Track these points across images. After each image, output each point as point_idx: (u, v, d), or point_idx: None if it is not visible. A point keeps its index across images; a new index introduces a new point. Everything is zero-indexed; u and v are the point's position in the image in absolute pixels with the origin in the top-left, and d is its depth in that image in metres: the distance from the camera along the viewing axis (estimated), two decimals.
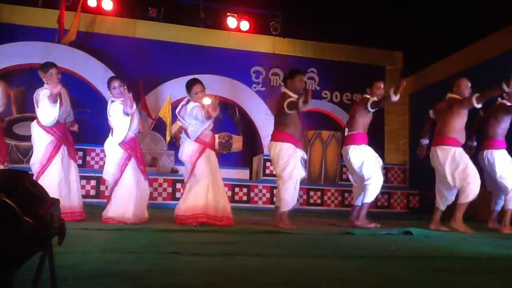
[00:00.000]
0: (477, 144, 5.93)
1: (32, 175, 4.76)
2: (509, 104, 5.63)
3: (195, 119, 4.92)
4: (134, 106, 4.98)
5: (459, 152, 5.25)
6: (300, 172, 5.17)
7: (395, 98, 5.17)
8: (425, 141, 5.68)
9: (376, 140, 11.99)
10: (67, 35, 9.68)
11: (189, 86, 5.08)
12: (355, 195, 5.73)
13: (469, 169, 5.17)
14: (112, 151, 4.86)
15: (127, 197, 4.75)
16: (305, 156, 5.29)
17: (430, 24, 9.53)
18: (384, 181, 9.87)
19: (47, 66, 4.90)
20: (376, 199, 9.42)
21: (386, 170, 10.21)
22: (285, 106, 5.04)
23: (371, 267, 2.55)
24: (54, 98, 4.64)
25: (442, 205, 5.43)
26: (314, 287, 1.94)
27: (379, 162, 5.49)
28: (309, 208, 9.18)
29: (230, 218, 4.97)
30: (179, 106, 5.13)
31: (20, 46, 9.48)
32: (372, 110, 5.49)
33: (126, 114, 4.80)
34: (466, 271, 2.50)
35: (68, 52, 9.77)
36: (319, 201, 9.41)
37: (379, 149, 11.67)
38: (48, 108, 4.71)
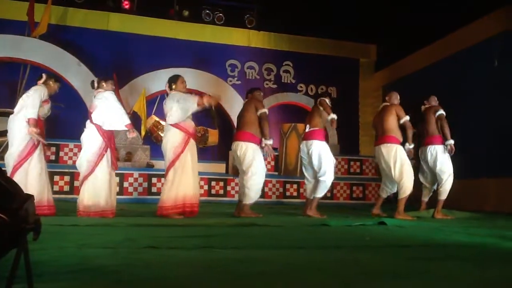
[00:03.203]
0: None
1: (5, 170, 4.75)
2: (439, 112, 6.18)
3: (176, 102, 5.11)
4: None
5: (400, 150, 5.84)
6: (264, 168, 5.58)
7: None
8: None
9: (350, 133, 12.22)
10: (37, 28, 9.46)
11: (174, 80, 5.34)
12: (308, 190, 6.01)
13: (404, 168, 5.78)
14: (92, 139, 4.95)
15: (101, 186, 4.89)
16: (265, 155, 5.68)
17: (403, 17, 9.66)
18: (359, 173, 10.15)
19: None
20: (351, 191, 9.61)
21: (360, 162, 10.35)
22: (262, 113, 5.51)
23: (348, 257, 2.59)
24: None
25: (383, 194, 6.29)
26: (291, 278, 1.97)
27: (333, 160, 5.84)
28: (285, 201, 9.24)
29: (197, 206, 5.17)
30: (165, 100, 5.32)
31: None
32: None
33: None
34: (439, 259, 2.56)
35: (39, 45, 9.57)
36: (295, 193, 9.47)
37: (354, 141, 11.93)
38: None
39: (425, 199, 6.49)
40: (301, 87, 11.87)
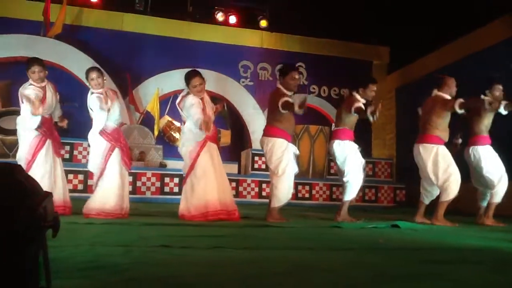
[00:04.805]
0: (462, 140, 5.80)
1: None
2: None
3: (185, 111, 4.83)
4: (115, 97, 4.97)
5: (442, 150, 5.28)
6: (293, 168, 5.08)
7: (371, 119, 5.05)
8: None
9: (362, 135, 12.11)
10: (52, 28, 9.57)
11: (188, 78, 4.91)
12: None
13: (450, 169, 5.20)
14: (96, 142, 4.80)
15: (110, 188, 4.70)
16: (297, 152, 5.19)
17: (416, 19, 9.60)
18: (371, 176, 10.10)
19: (29, 62, 4.84)
20: (363, 194, 9.55)
21: (373, 164, 10.30)
22: (279, 106, 4.86)
23: (359, 259, 2.59)
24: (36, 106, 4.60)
25: (426, 199, 5.53)
26: (302, 278, 1.97)
27: (362, 160, 5.43)
28: (297, 202, 9.22)
29: (237, 211, 4.91)
30: (179, 97, 4.98)
31: (5, 39, 9.37)
32: (355, 115, 5.35)
33: (102, 109, 4.73)
34: (452, 262, 2.55)
35: (54, 45, 9.68)
36: (307, 195, 9.47)
37: (366, 144, 11.85)
38: (29, 112, 4.66)
39: (481, 203, 5.69)
40: (313, 88, 11.85)
